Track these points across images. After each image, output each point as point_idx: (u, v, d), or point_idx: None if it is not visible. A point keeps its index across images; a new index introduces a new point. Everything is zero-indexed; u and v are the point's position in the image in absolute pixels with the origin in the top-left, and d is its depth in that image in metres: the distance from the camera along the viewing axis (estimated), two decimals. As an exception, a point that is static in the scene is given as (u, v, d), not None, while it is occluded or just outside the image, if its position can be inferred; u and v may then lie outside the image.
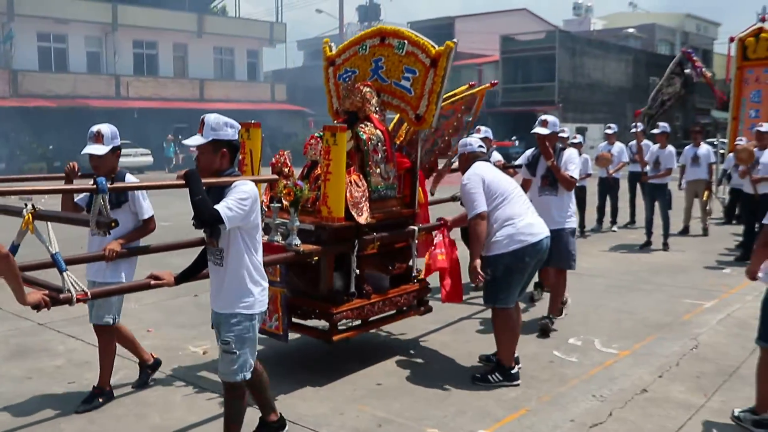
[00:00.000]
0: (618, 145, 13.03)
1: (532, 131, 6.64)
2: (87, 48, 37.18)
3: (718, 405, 4.81)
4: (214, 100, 39.46)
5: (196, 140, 3.78)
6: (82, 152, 4.66)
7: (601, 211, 13.11)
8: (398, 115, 6.17)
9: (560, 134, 11.68)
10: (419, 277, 6.03)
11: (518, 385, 5.19)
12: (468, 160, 5.57)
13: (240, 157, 5.29)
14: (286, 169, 5.19)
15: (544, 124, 6.62)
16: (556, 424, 4.50)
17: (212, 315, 3.95)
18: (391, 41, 5.77)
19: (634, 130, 11.52)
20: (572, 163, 6.64)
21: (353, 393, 5.06)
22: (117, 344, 5.07)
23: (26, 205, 3.48)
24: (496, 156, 8.50)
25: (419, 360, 5.82)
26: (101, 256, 4.53)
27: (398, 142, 6.20)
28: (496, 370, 5.27)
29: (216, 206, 3.57)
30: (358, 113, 5.65)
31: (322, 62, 6.45)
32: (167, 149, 34.52)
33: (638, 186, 12.48)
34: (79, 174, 4.81)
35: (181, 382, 5.33)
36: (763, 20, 14.94)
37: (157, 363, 5.38)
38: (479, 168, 5.41)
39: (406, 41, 5.68)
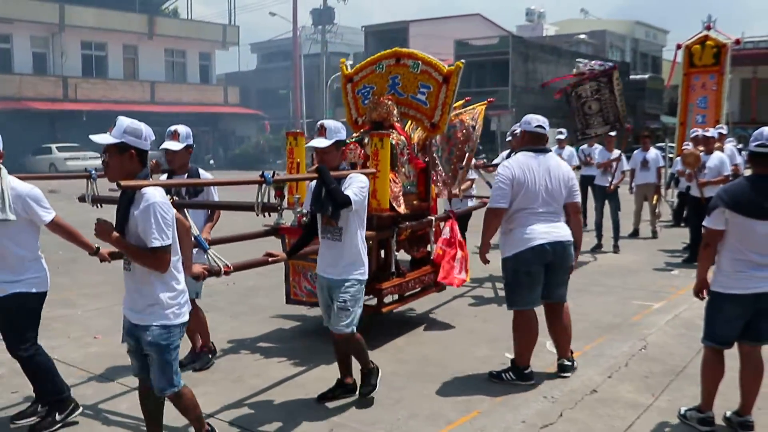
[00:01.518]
0: (568, 149, 13.21)
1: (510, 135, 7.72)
2: (33, 48, 36.43)
3: (666, 404, 4.89)
4: (165, 102, 38.94)
5: (323, 142, 4.59)
6: (161, 147, 5.40)
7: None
8: (411, 122, 7.08)
9: (509, 138, 11.87)
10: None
11: (532, 383, 5.28)
12: (523, 141, 5.59)
13: (288, 161, 6.54)
14: (361, 161, 5.95)
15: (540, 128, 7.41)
16: (507, 426, 4.52)
17: (324, 281, 4.75)
18: (406, 62, 6.70)
19: (560, 136, 11.73)
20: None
21: (306, 398, 5.03)
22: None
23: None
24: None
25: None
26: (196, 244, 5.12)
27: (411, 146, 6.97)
28: (511, 370, 5.39)
29: (346, 192, 4.44)
30: (384, 123, 6.45)
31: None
32: None
33: (589, 189, 12.66)
34: (161, 169, 5.64)
35: (125, 388, 5.20)
36: (708, 29, 15.34)
37: (214, 351, 5.90)
38: (518, 162, 5.29)
39: (420, 62, 6.65)
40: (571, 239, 5.32)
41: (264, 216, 4.27)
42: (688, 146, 10.67)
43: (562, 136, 13.49)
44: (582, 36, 55.30)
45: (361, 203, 4.55)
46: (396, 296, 6.60)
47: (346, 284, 4.61)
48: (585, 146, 12.33)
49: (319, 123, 4.72)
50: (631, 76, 53.34)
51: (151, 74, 40.24)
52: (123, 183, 3.40)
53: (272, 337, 6.64)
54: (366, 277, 4.72)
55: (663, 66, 61.63)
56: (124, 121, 3.64)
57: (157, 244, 3.47)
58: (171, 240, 3.56)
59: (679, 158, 11.59)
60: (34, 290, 4.43)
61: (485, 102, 8.10)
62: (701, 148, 10.04)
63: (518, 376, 5.33)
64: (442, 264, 6.76)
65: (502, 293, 8.20)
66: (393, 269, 6.43)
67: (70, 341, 6.35)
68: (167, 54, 41.93)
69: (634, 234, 12.80)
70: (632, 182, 12.60)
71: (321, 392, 4.99)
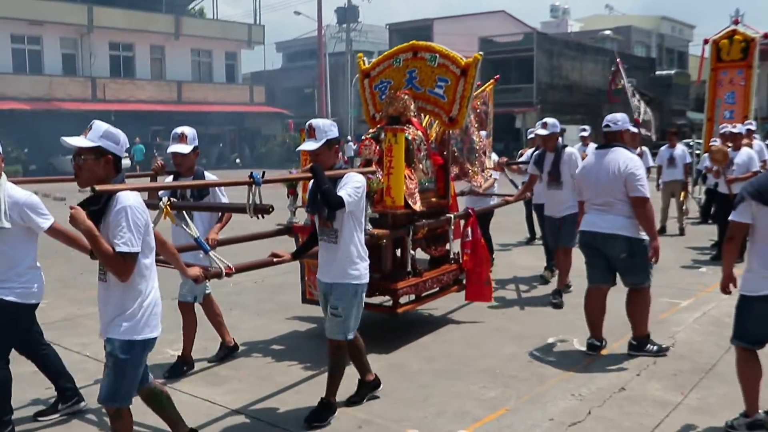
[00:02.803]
0: (592, 147, 13.12)
1: (533, 133, 7.83)
2: (62, 50, 36.85)
3: (695, 402, 4.86)
4: (192, 102, 39.26)
5: (313, 145, 4.43)
6: (168, 150, 5.45)
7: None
8: (428, 117, 6.96)
9: (531, 135, 11.85)
10: (455, 259, 6.97)
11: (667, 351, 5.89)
12: (633, 139, 6.36)
13: (302, 158, 6.20)
14: (377, 157, 5.91)
15: (544, 126, 7.76)
16: (535, 423, 4.52)
17: (321, 285, 4.61)
18: (423, 55, 6.61)
19: (583, 133, 11.66)
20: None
21: (333, 395, 5.05)
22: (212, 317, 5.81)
23: (161, 198, 4.16)
24: (495, 156, 9.16)
25: (399, 361, 5.82)
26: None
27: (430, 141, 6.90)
28: (648, 342, 5.91)
29: (339, 193, 4.29)
30: (401, 117, 6.38)
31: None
32: (136, 152, 34.01)
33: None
34: (166, 170, 5.58)
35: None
36: (736, 23, 15.13)
37: (235, 348, 5.98)
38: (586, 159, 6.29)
39: (437, 54, 6.52)
40: (617, 232, 5.69)
41: (258, 217, 4.12)
42: (716, 142, 10.57)
43: (585, 133, 13.42)
44: (607, 32, 54.76)
45: (356, 204, 4.40)
46: (413, 296, 6.43)
47: (341, 289, 4.48)
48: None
49: (308, 123, 4.52)
50: (657, 72, 52.78)
51: (178, 74, 40.54)
52: (98, 187, 3.28)
53: (299, 334, 6.69)
54: (364, 281, 4.54)
55: (689, 61, 60.90)
56: (101, 126, 3.49)
57: (124, 249, 3.28)
58: (139, 248, 3.35)
59: (706, 155, 11.49)
60: (18, 300, 4.26)
61: (492, 81, 7.98)
62: (729, 144, 9.93)
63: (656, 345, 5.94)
64: (469, 282, 6.85)
65: (525, 292, 8.21)
66: (409, 268, 6.25)
67: (101, 339, 6.44)
68: (194, 54, 42.20)
69: (661, 231, 12.65)
70: (659, 179, 12.49)
71: (349, 396, 4.90)
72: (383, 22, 66.31)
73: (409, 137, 6.13)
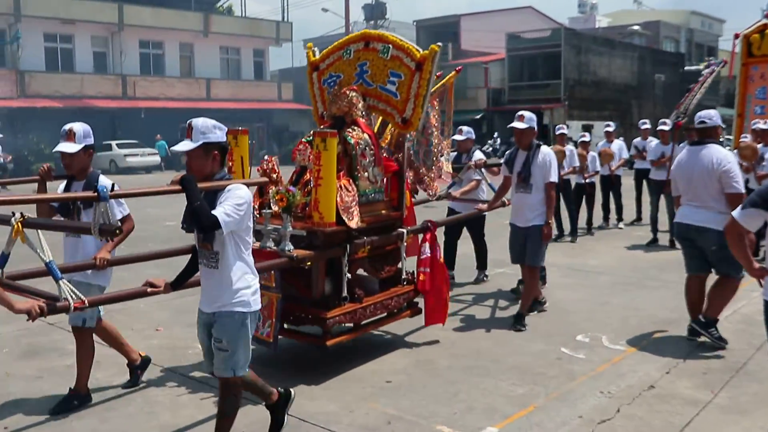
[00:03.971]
0: (617, 143, 13.07)
1: (509, 126, 6.84)
2: (93, 48, 37.32)
3: (726, 401, 4.83)
4: (220, 99, 39.57)
5: (186, 145, 3.77)
6: (54, 150, 4.70)
7: (605, 208, 13.15)
8: (381, 118, 6.22)
9: (560, 131, 11.78)
10: (408, 280, 6.17)
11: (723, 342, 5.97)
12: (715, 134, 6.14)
13: (229, 164, 5.37)
14: (274, 175, 5.22)
15: (521, 118, 6.73)
16: (564, 421, 4.53)
17: (201, 316, 3.95)
18: (375, 45, 5.84)
19: (644, 126, 11.57)
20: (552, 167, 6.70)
21: (362, 391, 5.10)
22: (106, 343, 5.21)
23: (13, 213, 3.49)
24: (478, 155, 8.44)
25: (427, 358, 5.85)
26: (92, 265, 4.59)
27: (383, 145, 6.25)
28: (714, 326, 6.01)
29: (214, 212, 3.60)
30: (345, 118, 5.68)
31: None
32: (159, 149, 34.34)
33: (644, 183, 12.49)
34: (54, 175, 4.75)
35: (189, 381, 5.38)
36: (767, 17, 14.90)
37: (146, 361, 5.38)
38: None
39: (390, 45, 5.74)
40: (708, 225, 5.86)
41: (105, 240, 3.77)
42: (746, 138, 10.44)
43: (610, 129, 13.38)
44: (635, 27, 54.28)
45: (236, 224, 3.70)
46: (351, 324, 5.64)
47: (225, 319, 3.83)
48: (638, 139, 12.14)
49: (188, 122, 3.84)
50: (686, 68, 52.14)
51: (207, 71, 40.84)
52: None
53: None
54: (252, 308, 3.88)
55: (719, 56, 60.02)
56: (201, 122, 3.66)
57: None
58: None
59: (735, 151, 11.35)
60: None
61: (453, 72, 7.02)
62: (760, 140, 9.82)
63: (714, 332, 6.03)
64: (428, 305, 6.11)
65: (554, 289, 8.19)
66: (345, 294, 5.42)
67: (134, 333, 6.54)
68: (222, 51, 42.47)
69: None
70: None
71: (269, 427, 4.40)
72: (410, 18, 66.25)
73: (352, 141, 5.47)
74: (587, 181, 12.09)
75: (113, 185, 3.69)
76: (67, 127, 4.69)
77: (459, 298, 7.80)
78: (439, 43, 5.74)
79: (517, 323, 6.63)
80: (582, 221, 12.27)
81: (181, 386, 5.26)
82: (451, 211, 8.46)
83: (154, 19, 38.21)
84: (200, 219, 3.58)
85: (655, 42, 55.01)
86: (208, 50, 41.29)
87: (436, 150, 6.57)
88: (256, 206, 5.24)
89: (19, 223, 3.41)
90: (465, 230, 8.63)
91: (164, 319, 7.10)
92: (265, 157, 5.54)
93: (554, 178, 6.67)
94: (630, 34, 53.40)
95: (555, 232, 11.69)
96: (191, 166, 3.80)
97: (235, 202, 3.68)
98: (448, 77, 6.86)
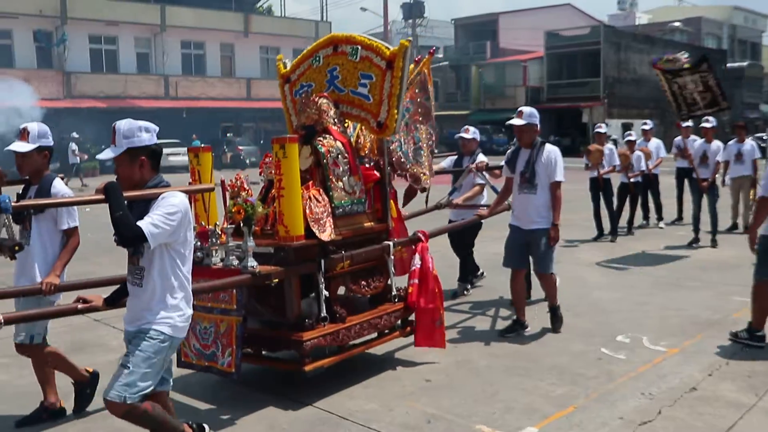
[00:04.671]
0: (655, 141, 12.92)
1: (507, 123, 6.49)
2: (136, 49, 37.99)
3: (770, 404, 4.77)
4: (260, 98, 39.95)
5: (108, 153, 3.48)
6: (5, 149, 4.42)
7: (645, 207, 13.01)
8: (360, 125, 5.84)
9: (598, 130, 11.68)
10: (400, 296, 5.68)
11: (763, 347, 5.89)
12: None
13: (189, 181, 5.07)
14: (244, 193, 4.68)
15: (520, 114, 6.34)
16: (604, 422, 4.51)
17: (125, 335, 3.64)
18: (344, 48, 5.55)
19: (686, 124, 11.42)
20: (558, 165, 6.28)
21: (402, 389, 5.14)
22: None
23: None
24: (482, 157, 7.82)
25: (467, 357, 5.87)
26: (38, 290, 4.25)
27: (363, 154, 5.87)
28: (746, 330, 6.01)
29: (139, 222, 3.27)
30: (316, 126, 5.34)
31: None
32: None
33: (686, 182, 12.33)
34: (6, 179, 4.38)
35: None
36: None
37: (95, 377, 4.91)
38: None
39: (359, 46, 5.46)
40: None
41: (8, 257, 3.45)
42: None
43: (647, 127, 13.23)
44: (676, 24, 53.45)
45: (167, 235, 3.35)
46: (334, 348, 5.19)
47: (141, 335, 3.44)
48: (679, 138, 11.98)
49: (113, 125, 3.53)
50: (729, 65, 51.21)
51: (247, 71, 41.28)
52: None
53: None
54: (177, 334, 3.53)
55: (763, 53, 58.84)
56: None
57: None
58: None
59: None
60: None
61: (428, 56, 6.29)
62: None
63: (750, 338, 5.96)
64: (419, 323, 5.60)
65: (593, 289, 8.14)
66: (323, 314, 5.01)
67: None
68: (262, 51, 42.85)
69: (733, 228, 12.34)
70: (725, 175, 12.12)
71: None
72: (449, 17, 66.04)
73: (323, 149, 5.13)
74: (632, 180, 11.97)
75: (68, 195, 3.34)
76: (21, 125, 4.42)
77: (492, 298, 7.81)
78: (410, 38, 5.37)
79: (553, 322, 6.52)
80: (623, 221, 12.15)
81: (192, 380, 5.33)
82: (450, 222, 7.86)
83: (196, 19, 38.74)
84: (121, 230, 3.24)
85: (697, 39, 54.13)
86: (248, 50, 41.71)
87: (423, 144, 6.12)
88: (224, 224, 4.79)
89: None
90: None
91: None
92: (266, 161, 5.26)
93: (560, 177, 6.22)
94: (671, 31, 52.61)
95: (595, 232, 11.66)
96: (118, 174, 3.51)
97: (165, 211, 3.35)
98: (422, 63, 6.17)
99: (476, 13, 54.26)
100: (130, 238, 3.27)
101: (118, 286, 3.84)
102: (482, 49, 50.04)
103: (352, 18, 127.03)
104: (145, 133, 3.50)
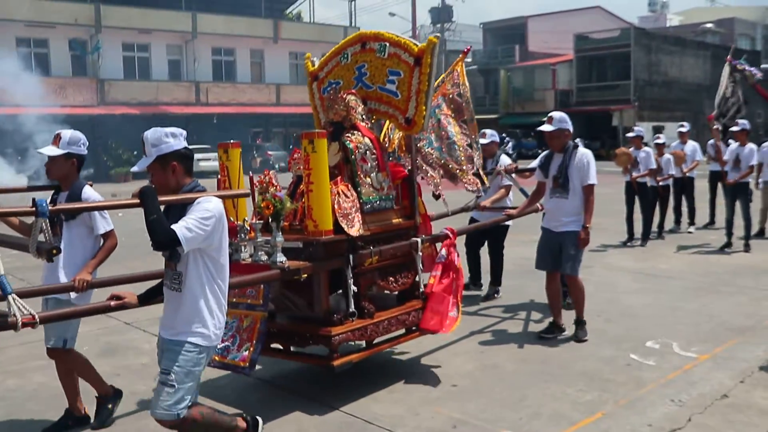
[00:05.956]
0: (691, 144, 12.74)
1: (537, 129, 6.48)
2: (168, 56, 38.44)
3: (803, 412, 4.69)
4: (290, 104, 40.21)
5: (142, 164, 3.54)
6: (36, 150, 4.62)
7: (677, 211, 12.85)
8: (388, 121, 5.91)
9: (635, 134, 11.55)
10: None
11: None
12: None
13: (219, 177, 5.24)
14: (273, 189, 4.64)
15: (550, 120, 6.37)
16: (633, 429, 4.47)
17: (159, 341, 3.68)
18: (372, 45, 5.57)
19: (716, 126, 11.27)
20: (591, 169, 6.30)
21: (428, 394, 5.14)
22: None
23: None
24: (506, 160, 7.86)
25: (494, 362, 5.85)
26: (71, 287, 4.31)
27: (391, 150, 5.96)
28: None
29: (173, 226, 3.30)
30: (344, 122, 5.39)
31: None
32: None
33: (719, 185, 12.14)
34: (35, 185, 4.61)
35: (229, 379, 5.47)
36: None
37: (118, 394, 4.92)
38: None
39: (387, 43, 5.47)
40: None
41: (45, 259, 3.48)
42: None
43: (684, 129, 13.05)
44: (708, 25, 52.81)
45: (201, 240, 3.38)
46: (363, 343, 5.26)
47: (177, 348, 3.49)
48: (712, 141, 11.81)
49: (142, 135, 3.63)
50: (762, 65, 50.37)
51: (277, 77, 41.55)
52: None
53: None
54: (211, 343, 3.58)
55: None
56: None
57: None
58: None
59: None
60: None
61: (460, 56, 6.45)
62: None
63: None
64: (428, 306, 5.45)
65: (623, 294, 8.05)
66: (352, 309, 5.02)
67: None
68: (291, 57, 43.10)
69: (760, 233, 12.03)
70: (758, 178, 11.90)
71: None
72: (477, 21, 65.92)
73: (351, 145, 5.16)
74: (661, 184, 11.82)
75: (34, 201, 3.25)
76: (58, 131, 4.57)
77: (523, 303, 7.77)
78: (438, 35, 5.48)
79: (577, 333, 6.39)
80: (653, 225, 12.01)
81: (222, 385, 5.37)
82: (473, 221, 7.92)
83: (226, 26, 39.12)
84: (155, 234, 3.27)
85: (730, 40, 53.33)
86: (277, 56, 42.00)
87: (458, 139, 6.15)
88: (253, 220, 4.80)
89: None
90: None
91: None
92: (295, 155, 5.28)
93: (593, 180, 6.26)
94: (702, 33, 51.99)
95: (625, 236, 11.54)
96: (153, 183, 3.55)
97: (200, 215, 3.38)
98: (456, 62, 6.41)
99: (504, 17, 54.08)
100: (164, 242, 3.30)
101: (153, 282, 3.89)
102: (511, 52, 49.91)
103: (381, 23, 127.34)
104: (173, 139, 3.55)
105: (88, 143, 4.62)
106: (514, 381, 5.37)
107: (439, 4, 46.57)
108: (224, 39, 39.42)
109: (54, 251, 3.35)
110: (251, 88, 40.41)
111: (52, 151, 4.46)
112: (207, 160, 33.17)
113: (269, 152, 36.44)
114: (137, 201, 3.36)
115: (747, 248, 10.65)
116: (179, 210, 3.45)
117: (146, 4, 36.00)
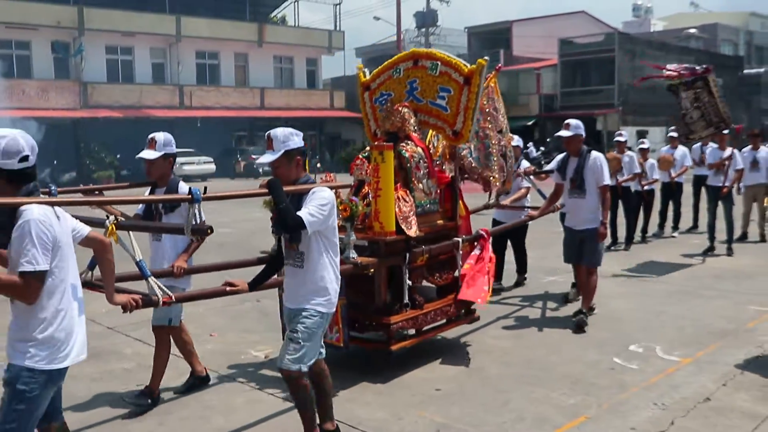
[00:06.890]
0: (681, 149, 12.79)
1: (556, 135, 7.09)
2: (152, 59, 38.19)
3: (785, 415, 4.71)
4: (274, 108, 40.08)
5: (269, 157, 4.06)
6: (137, 156, 5.16)
7: (663, 215, 12.90)
8: (432, 131, 6.48)
9: (617, 138, 11.61)
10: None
11: None
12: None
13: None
14: (369, 177, 5.42)
15: (567, 126, 7.11)
16: (616, 432, 4.48)
17: (286, 312, 4.25)
18: (424, 63, 6.12)
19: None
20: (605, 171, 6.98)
21: (412, 398, 5.13)
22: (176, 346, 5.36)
23: (107, 216, 3.87)
24: (525, 164, 8.58)
25: (478, 366, 5.85)
26: (170, 273, 4.86)
27: (435, 158, 6.44)
28: None
29: (299, 213, 3.88)
30: (399, 133, 5.93)
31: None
32: None
33: (702, 190, 12.21)
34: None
35: (242, 385, 5.49)
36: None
37: (207, 379, 5.47)
38: None
39: (439, 62, 6.03)
40: None
41: (194, 239, 4.04)
42: None
43: (675, 134, 13.09)
44: (692, 30, 53.16)
45: (321, 223, 3.98)
46: (413, 331, 5.90)
47: (303, 314, 4.05)
48: (697, 146, 11.88)
49: (267, 133, 4.15)
50: (746, 71, 50.86)
51: (261, 80, 41.42)
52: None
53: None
54: (330, 309, 4.15)
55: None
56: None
57: (28, 268, 3.00)
58: (47, 267, 3.06)
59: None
60: None
61: (494, 72, 6.92)
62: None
63: None
64: (464, 279, 6.08)
65: (606, 298, 8.08)
66: (406, 300, 5.64)
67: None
68: (276, 60, 43.01)
69: (743, 237, 12.13)
70: (740, 183, 11.98)
71: None
72: (462, 25, 66.14)
73: (406, 154, 5.71)
74: (645, 188, 11.86)
75: (190, 190, 3.85)
76: (151, 135, 5.09)
77: (509, 306, 7.78)
78: (486, 57, 5.97)
79: (577, 325, 6.78)
80: (637, 229, 12.05)
81: (234, 391, 5.37)
82: (495, 222, 8.44)
83: (210, 30, 38.92)
84: (285, 219, 3.87)
85: (713, 45, 53.82)
86: (262, 60, 41.88)
87: (494, 150, 6.67)
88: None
89: (113, 225, 3.69)
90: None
91: (219, 325, 7.24)
92: (357, 162, 5.79)
93: (608, 180, 6.95)
94: (686, 38, 52.35)
95: (609, 239, 11.57)
96: (277, 175, 4.10)
97: (318, 203, 3.98)
98: (489, 78, 6.75)
99: (489, 21, 54.27)
100: (292, 226, 3.89)
101: (239, 271, 4.60)
102: (495, 57, 50.02)
103: (366, 27, 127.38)
104: (297, 137, 4.13)
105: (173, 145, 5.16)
106: (498, 385, 5.37)
107: (424, 8, 46.62)
108: (208, 42, 39.24)
109: (208, 231, 3.81)
110: (235, 91, 40.24)
111: (151, 154, 5.00)
112: (191, 164, 33.05)
113: (253, 156, 36.31)
114: (265, 191, 3.93)
115: (730, 252, 10.72)
116: (296, 198, 4.05)
117: (130, 7, 35.65)
